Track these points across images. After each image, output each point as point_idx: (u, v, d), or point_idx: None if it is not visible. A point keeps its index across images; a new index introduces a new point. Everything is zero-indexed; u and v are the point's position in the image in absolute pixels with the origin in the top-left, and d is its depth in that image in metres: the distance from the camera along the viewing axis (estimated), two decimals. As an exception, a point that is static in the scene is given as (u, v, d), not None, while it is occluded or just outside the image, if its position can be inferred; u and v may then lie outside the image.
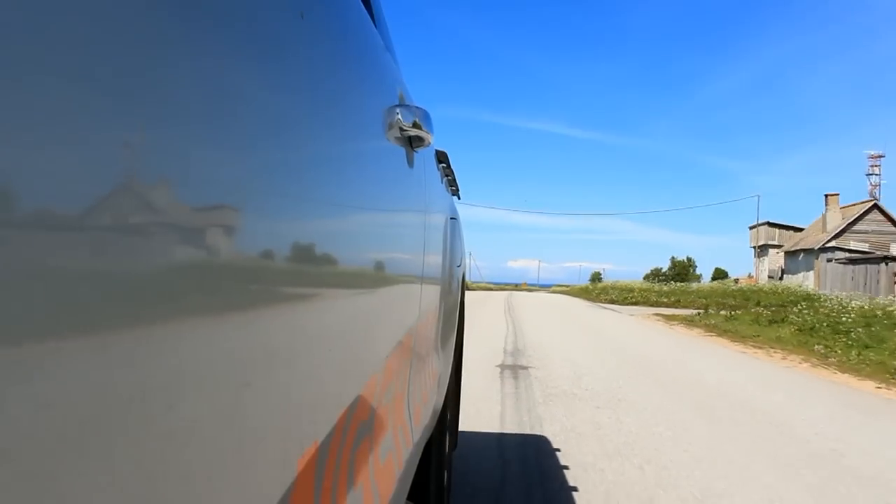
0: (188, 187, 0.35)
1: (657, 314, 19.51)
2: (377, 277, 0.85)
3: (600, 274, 68.84)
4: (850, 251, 28.18)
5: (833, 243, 29.28)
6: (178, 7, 0.35)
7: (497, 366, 6.95)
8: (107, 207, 0.29)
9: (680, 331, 13.08)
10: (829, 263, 25.96)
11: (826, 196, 31.18)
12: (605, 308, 23.50)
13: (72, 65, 0.26)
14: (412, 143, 1.09)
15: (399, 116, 0.97)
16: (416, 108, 1.04)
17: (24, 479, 0.24)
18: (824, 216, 31.14)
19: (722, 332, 12.47)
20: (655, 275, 51.90)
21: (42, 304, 0.25)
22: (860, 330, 9.96)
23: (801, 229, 35.37)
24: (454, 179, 2.16)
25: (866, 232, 30.28)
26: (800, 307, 14.11)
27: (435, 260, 1.49)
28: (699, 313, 17.91)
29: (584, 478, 3.24)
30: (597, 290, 35.49)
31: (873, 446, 4.13)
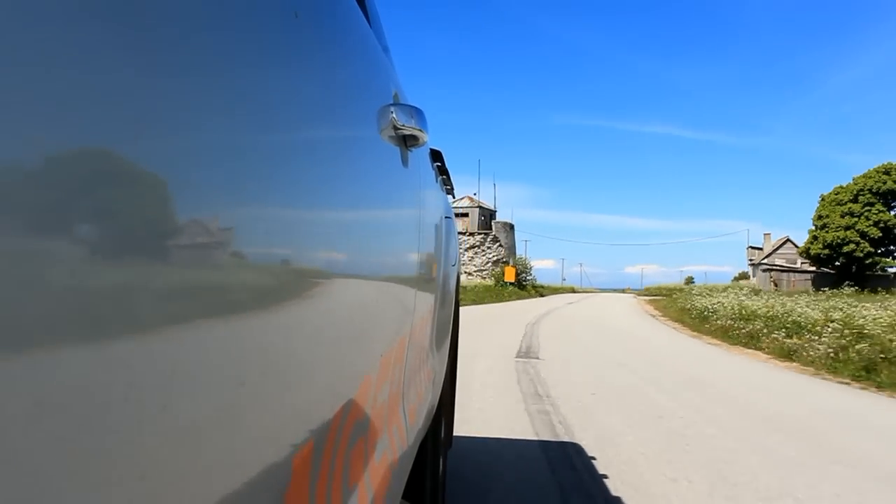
0: (182, 187, 0.35)
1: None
2: (371, 277, 0.85)
3: (692, 278, 63.23)
4: None
5: None
6: (174, 7, 0.35)
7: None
8: (105, 207, 0.28)
9: None
10: None
11: None
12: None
13: (65, 65, 0.26)
14: (406, 141, 1.09)
15: (393, 115, 0.97)
16: (411, 106, 1.04)
17: (23, 478, 0.24)
18: None
19: None
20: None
21: (41, 304, 0.25)
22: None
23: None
24: (449, 178, 2.16)
25: None
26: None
27: (429, 259, 1.49)
28: None
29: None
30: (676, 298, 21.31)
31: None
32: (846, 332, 8.68)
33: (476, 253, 39.94)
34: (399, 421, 1.14)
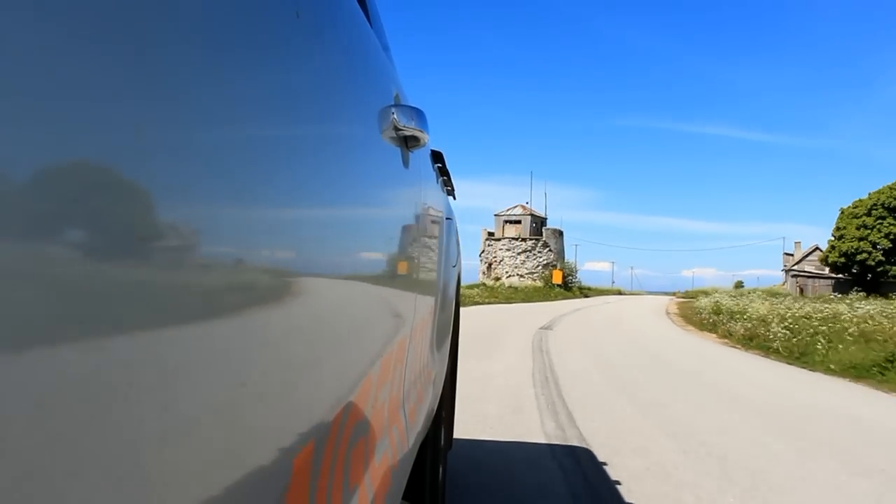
0: (183, 187, 0.35)
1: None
2: (372, 278, 0.85)
3: (742, 282, 60.61)
4: None
5: None
6: (174, 7, 0.35)
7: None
8: (107, 207, 0.29)
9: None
10: None
11: None
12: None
13: (65, 65, 0.26)
14: (407, 142, 1.09)
15: (395, 116, 0.97)
16: (412, 107, 1.04)
17: (26, 478, 0.24)
18: None
19: None
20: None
21: (41, 304, 0.25)
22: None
23: None
24: (449, 179, 2.16)
25: None
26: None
27: (431, 260, 1.49)
28: None
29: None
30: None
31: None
32: (765, 320, 12.62)
33: (528, 257, 42.67)
34: (399, 422, 1.14)
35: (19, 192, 0.24)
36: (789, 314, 13.03)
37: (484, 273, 43.35)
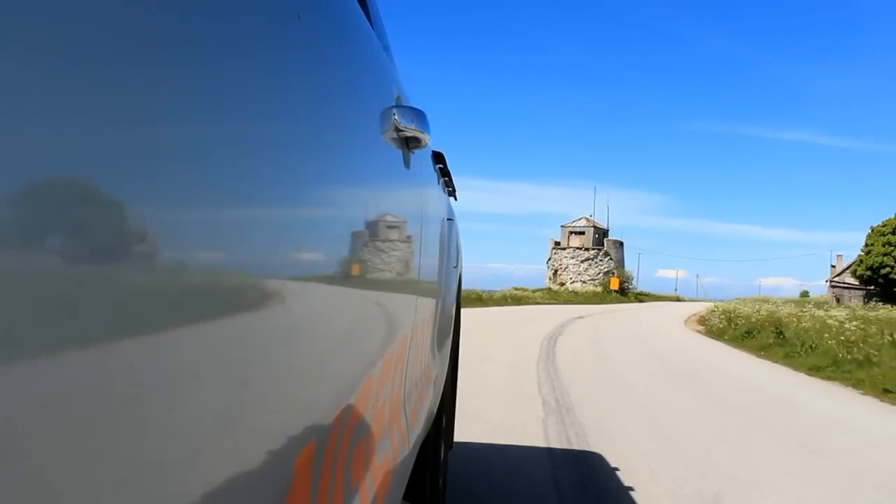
0: (184, 188, 0.36)
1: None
2: (373, 279, 0.85)
3: (808, 292, 58.71)
4: None
5: None
6: (176, 7, 0.35)
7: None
8: (109, 208, 0.29)
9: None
10: None
11: None
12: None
13: (64, 65, 0.26)
14: (409, 143, 1.09)
15: (396, 117, 0.97)
16: (413, 108, 1.04)
17: (28, 479, 0.24)
18: None
19: None
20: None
21: (41, 304, 0.25)
22: None
23: None
24: (451, 180, 2.16)
25: None
26: None
27: (431, 261, 1.49)
28: None
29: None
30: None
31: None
32: (749, 320, 14.53)
33: (590, 265, 48.00)
34: (400, 422, 1.14)
35: (19, 193, 0.24)
36: (764, 312, 15.36)
37: (550, 278, 48.12)
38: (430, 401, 1.60)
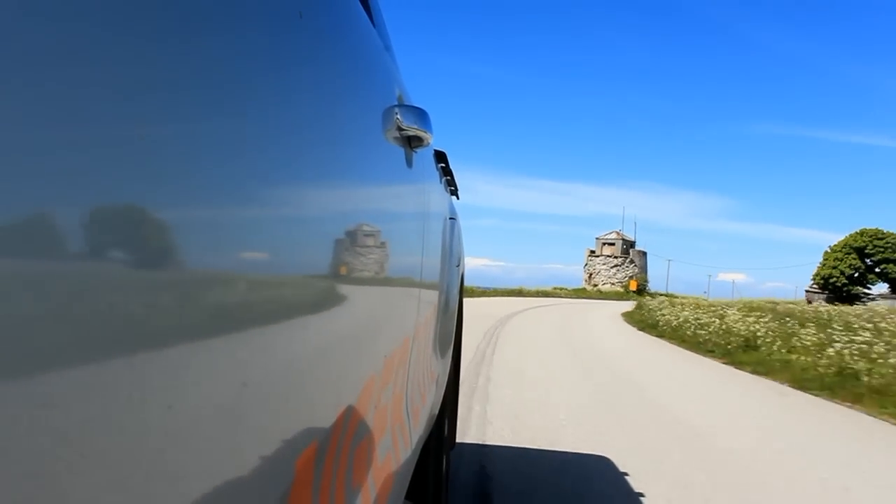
0: (184, 188, 0.35)
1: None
2: (376, 278, 0.85)
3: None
4: None
5: None
6: (176, 7, 0.35)
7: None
8: (109, 208, 0.29)
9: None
10: None
11: None
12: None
13: (64, 66, 0.26)
14: (411, 142, 1.09)
15: (398, 116, 0.97)
16: (415, 107, 1.04)
17: (28, 480, 0.24)
18: None
19: None
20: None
21: (42, 305, 0.25)
22: None
23: None
24: (453, 179, 2.16)
25: None
26: None
27: (434, 260, 1.49)
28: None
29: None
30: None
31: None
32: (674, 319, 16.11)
33: (618, 270, 60.05)
34: (402, 422, 1.14)
35: (21, 193, 0.24)
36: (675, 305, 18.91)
37: (585, 281, 60.56)
38: (432, 400, 1.59)
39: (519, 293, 38.66)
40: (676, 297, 31.06)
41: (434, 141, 1.20)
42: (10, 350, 0.23)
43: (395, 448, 1.03)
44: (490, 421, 4.24)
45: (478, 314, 14.16)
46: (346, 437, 0.69)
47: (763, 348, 9.12)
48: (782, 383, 7.07)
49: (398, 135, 0.99)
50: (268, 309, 0.47)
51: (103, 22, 0.28)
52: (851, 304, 35.11)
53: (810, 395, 6.33)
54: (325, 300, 0.62)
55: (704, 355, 9.79)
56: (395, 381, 1.02)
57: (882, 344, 7.29)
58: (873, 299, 45.28)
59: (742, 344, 9.67)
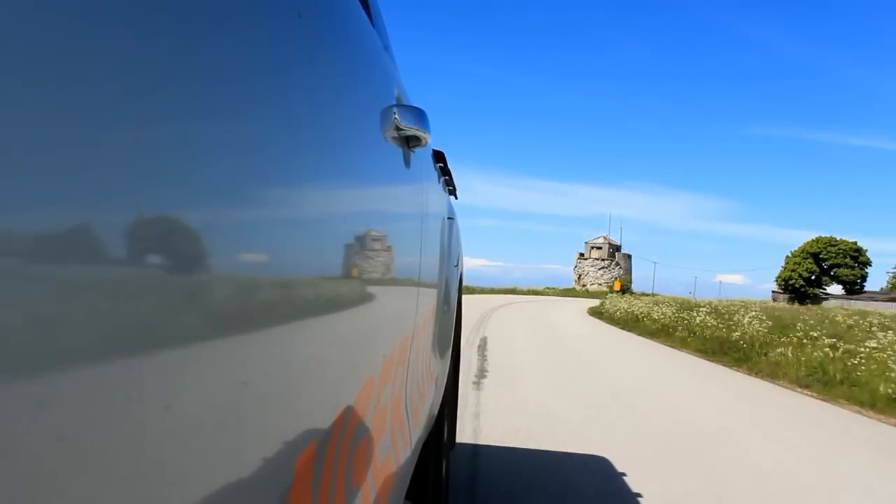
0: (183, 188, 0.35)
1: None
2: (374, 278, 0.85)
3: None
4: None
5: None
6: (175, 7, 0.35)
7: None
8: (110, 208, 0.28)
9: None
10: None
11: None
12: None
13: (64, 66, 0.26)
14: (409, 142, 1.09)
15: (396, 116, 0.97)
16: (414, 107, 1.04)
17: (29, 481, 0.24)
18: None
19: None
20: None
21: (42, 306, 0.25)
22: None
23: None
24: (451, 179, 2.16)
25: None
26: None
27: (432, 260, 1.49)
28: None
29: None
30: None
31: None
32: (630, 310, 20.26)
33: (604, 271, 68.45)
34: (402, 421, 1.14)
35: (21, 193, 0.24)
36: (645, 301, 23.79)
37: (575, 281, 69.33)
38: (431, 399, 1.59)
39: (513, 291, 49.56)
40: (658, 296, 34.86)
41: (432, 141, 1.20)
42: (10, 350, 0.23)
43: (394, 448, 1.03)
44: (487, 335, 11.39)
45: (479, 304, 23.11)
46: (346, 438, 0.69)
47: (646, 321, 16.14)
48: (640, 334, 14.30)
49: (396, 135, 0.99)
50: (267, 309, 0.47)
51: (103, 22, 0.28)
52: (807, 303, 39.62)
53: (656, 341, 12.84)
54: (324, 300, 0.62)
55: (614, 325, 17.59)
56: (394, 381, 1.02)
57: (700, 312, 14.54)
58: (826, 299, 51.75)
59: (633, 319, 17.31)
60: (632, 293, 54.35)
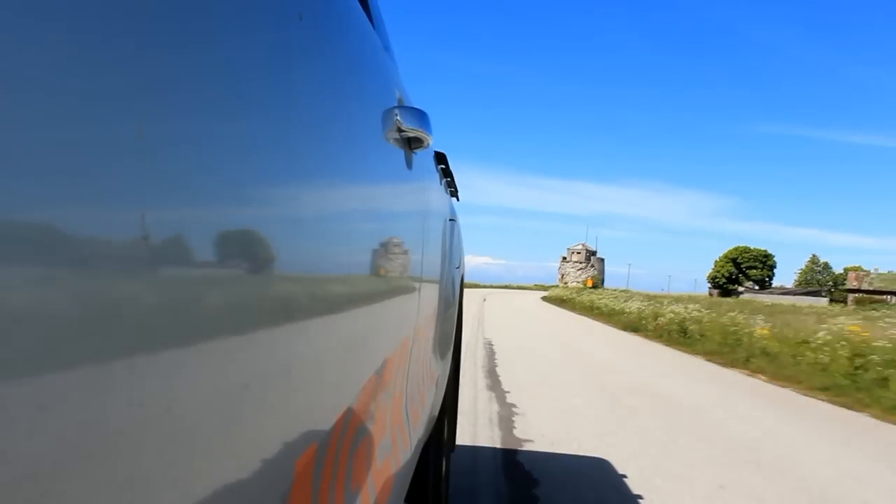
0: (184, 189, 0.35)
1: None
2: (376, 279, 0.85)
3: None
4: None
5: None
6: (176, 8, 0.35)
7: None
8: (110, 209, 0.28)
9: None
10: None
11: None
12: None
13: (63, 66, 0.26)
14: (411, 144, 1.09)
15: (398, 117, 0.97)
16: (415, 109, 1.04)
17: (29, 482, 0.24)
18: None
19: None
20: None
21: (42, 305, 0.25)
22: None
23: None
24: (453, 181, 2.16)
25: None
26: None
27: (434, 262, 1.49)
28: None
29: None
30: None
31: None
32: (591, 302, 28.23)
33: (582, 272, 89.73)
34: (402, 423, 1.14)
35: (21, 194, 0.24)
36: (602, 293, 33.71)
37: (559, 280, 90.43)
38: (432, 401, 1.59)
39: (507, 287, 73.57)
40: (617, 291, 43.50)
41: (434, 141, 1.20)
42: (9, 350, 0.23)
43: (394, 450, 1.03)
44: (486, 299, 30.87)
45: (484, 292, 39.47)
46: (346, 439, 0.69)
47: (590, 305, 22.91)
48: (580, 313, 23.19)
49: (398, 136, 0.99)
50: (267, 310, 0.47)
51: (103, 22, 0.28)
52: (728, 296, 52.55)
53: (585, 316, 22.00)
54: (325, 301, 0.61)
55: (561, 306, 26.84)
56: (394, 382, 1.02)
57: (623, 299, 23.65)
58: (741, 293, 63.81)
59: (585, 306, 23.97)
60: (604, 289, 60.49)
